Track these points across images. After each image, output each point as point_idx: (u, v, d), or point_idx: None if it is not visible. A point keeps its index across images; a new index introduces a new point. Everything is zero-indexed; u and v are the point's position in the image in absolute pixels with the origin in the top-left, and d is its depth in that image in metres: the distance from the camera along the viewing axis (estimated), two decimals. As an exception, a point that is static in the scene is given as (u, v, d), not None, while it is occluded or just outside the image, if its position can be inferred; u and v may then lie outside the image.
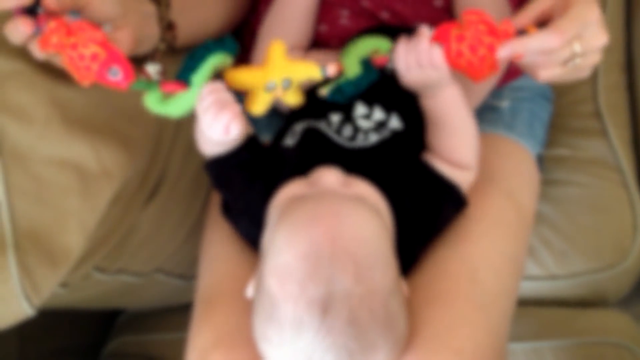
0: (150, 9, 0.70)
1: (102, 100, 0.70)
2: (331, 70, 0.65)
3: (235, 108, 0.62)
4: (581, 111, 1.07)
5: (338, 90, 0.67)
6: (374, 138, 0.72)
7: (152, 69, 0.63)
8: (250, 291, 0.66)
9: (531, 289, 1.03)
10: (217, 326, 0.69)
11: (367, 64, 0.67)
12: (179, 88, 0.62)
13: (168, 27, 0.73)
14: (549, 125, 0.97)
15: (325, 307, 0.56)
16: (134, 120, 0.74)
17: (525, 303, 0.95)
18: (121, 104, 0.72)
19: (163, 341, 1.11)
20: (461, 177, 0.72)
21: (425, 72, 0.65)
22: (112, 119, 0.71)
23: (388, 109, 0.74)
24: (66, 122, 0.66)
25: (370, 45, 0.67)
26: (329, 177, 0.65)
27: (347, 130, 0.73)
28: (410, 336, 0.63)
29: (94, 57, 0.59)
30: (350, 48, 0.67)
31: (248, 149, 0.69)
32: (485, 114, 0.88)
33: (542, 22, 0.63)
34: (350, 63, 0.67)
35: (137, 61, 0.64)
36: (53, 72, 0.64)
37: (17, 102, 0.64)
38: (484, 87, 0.80)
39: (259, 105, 0.65)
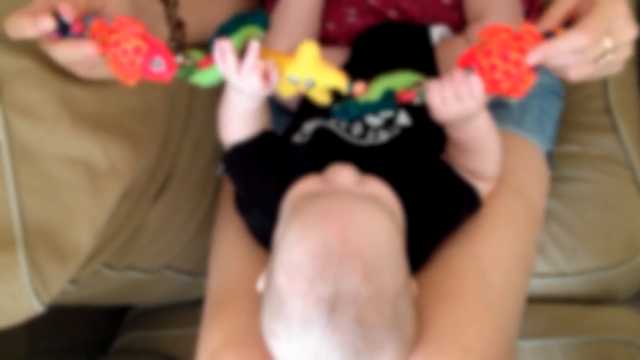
0: (159, 8, 0.71)
1: (110, 98, 0.70)
2: (358, 88, 0.64)
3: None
4: (591, 107, 1.07)
5: (344, 108, 0.65)
6: (384, 136, 0.72)
7: (179, 59, 0.62)
8: (261, 285, 0.66)
9: (540, 286, 1.02)
10: (228, 326, 0.69)
11: (389, 95, 0.64)
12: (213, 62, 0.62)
13: (177, 25, 0.73)
14: (559, 121, 0.96)
15: (332, 306, 0.56)
16: (142, 118, 0.74)
17: (534, 300, 0.94)
18: (129, 101, 0.72)
19: (171, 337, 1.12)
20: (480, 185, 0.72)
21: (464, 104, 0.62)
22: (120, 117, 0.71)
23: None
24: (75, 119, 0.66)
25: (406, 81, 0.64)
26: (343, 174, 0.65)
27: (357, 129, 0.73)
28: (418, 334, 0.63)
29: (137, 50, 0.59)
30: (385, 77, 0.64)
31: (265, 141, 0.70)
32: (494, 110, 0.86)
33: (569, 22, 0.62)
34: (374, 88, 0.64)
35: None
36: (62, 70, 0.64)
37: (26, 100, 0.64)
38: None
39: (285, 90, 0.64)
